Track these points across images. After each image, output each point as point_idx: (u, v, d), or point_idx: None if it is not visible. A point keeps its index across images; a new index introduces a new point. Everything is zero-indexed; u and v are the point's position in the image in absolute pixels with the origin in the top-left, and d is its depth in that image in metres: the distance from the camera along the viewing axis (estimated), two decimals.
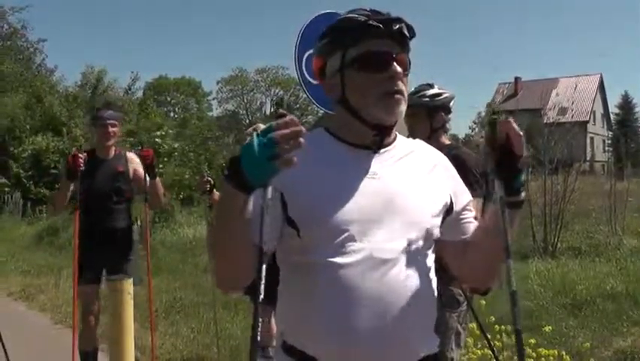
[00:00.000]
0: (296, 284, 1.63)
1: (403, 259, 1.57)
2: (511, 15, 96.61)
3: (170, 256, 10.53)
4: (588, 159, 34.46)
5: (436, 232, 1.66)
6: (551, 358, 4.14)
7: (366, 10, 1.62)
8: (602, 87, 54.46)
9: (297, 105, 48.43)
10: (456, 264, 1.78)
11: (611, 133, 52.35)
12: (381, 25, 1.58)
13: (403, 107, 1.63)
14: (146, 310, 6.94)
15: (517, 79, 51.58)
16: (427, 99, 3.43)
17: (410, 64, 1.66)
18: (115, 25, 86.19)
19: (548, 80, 41.59)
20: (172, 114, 46.81)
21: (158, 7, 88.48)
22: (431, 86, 3.50)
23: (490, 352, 4.23)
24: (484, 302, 4.38)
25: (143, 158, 4.51)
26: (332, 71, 1.66)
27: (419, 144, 1.79)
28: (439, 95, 3.45)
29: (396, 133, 1.73)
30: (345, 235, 1.54)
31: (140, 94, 29.25)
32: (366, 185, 1.59)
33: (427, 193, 1.66)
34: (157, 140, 18.94)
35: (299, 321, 1.61)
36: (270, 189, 1.36)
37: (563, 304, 6.76)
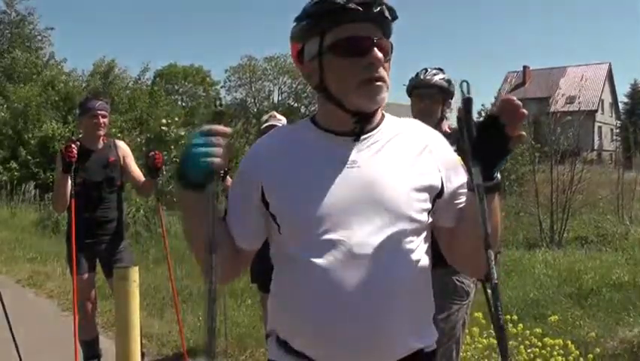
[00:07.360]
0: (281, 279, 1.60)
1: (387, 250, 1.48)
2: (519, 2, 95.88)
3: (175, 243, 10.52)
4: (596, 148, 34.28)
5: (424, 219, 1.55)
6: (557, 347, 4.13)
7: None
8: (610, 76, 54.01)
9: (305, 93, 48.15)
10: (447, 251, 1.68)
11: (619, 122, 52.06)
12: (360, 8, 1.47)
13: (385, 94, 1.53)
14: (153, 298, 7.02)
15: (525, 67, 51.25)
16: (446, 84, 3.31)
17: (392, 48, 1.57)
18: (125, 13, 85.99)
19: (556, 69, 41.30)
20: (180, 102, 46.79)
21: None
22: (442, 71, 3.37)
23: (495, 341, 4.23)
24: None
25: (154, 160, 4.52)
26: (310, 57, 1.57)
27: (410, 123, 1.69)
28: (451, 82, 3.34)
29: (383, 114, 1.64)
30: (322, 228, 1.48)
31: (150, 83, 29.36)
32: (345, 175, 1.52)
33: (413, 179, 1.54)
34: (163, 127, 18.98)
35: (285, 316, 1.59)
36: (212, 188, 1.40)
37: (569, 294, 6.74)
